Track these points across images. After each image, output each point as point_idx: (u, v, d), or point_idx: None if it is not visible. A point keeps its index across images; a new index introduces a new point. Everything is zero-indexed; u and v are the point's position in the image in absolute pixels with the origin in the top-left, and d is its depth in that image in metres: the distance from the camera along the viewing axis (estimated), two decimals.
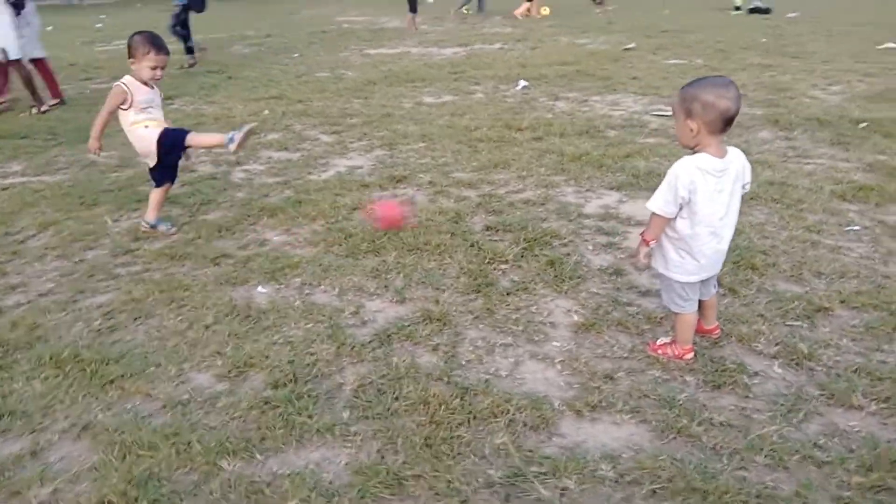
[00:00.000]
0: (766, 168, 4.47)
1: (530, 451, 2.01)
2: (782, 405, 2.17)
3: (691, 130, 2.19)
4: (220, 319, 2.78)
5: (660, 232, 2.32)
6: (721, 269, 2.42)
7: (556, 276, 3.09)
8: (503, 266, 3.21)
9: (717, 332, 2.57)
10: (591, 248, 3.42)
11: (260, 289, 3.06)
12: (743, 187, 2.30)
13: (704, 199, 2.19)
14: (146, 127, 3.55)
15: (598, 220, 3.74)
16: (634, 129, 5.65)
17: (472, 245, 3.42)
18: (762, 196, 3.95)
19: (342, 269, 3.21)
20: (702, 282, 2.38)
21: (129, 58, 3.49)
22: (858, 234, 3.45)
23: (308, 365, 2.45)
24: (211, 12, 11.19)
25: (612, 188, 4.26)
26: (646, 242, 2.35)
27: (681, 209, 2.23)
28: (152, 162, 3.62)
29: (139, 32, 3.53)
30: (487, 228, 3.66)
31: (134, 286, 3.09)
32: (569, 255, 3.31)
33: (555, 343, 2.59)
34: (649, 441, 2.05)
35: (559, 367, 2.44)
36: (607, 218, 3.77)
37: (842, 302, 2.77)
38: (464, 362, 2.47)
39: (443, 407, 2.17)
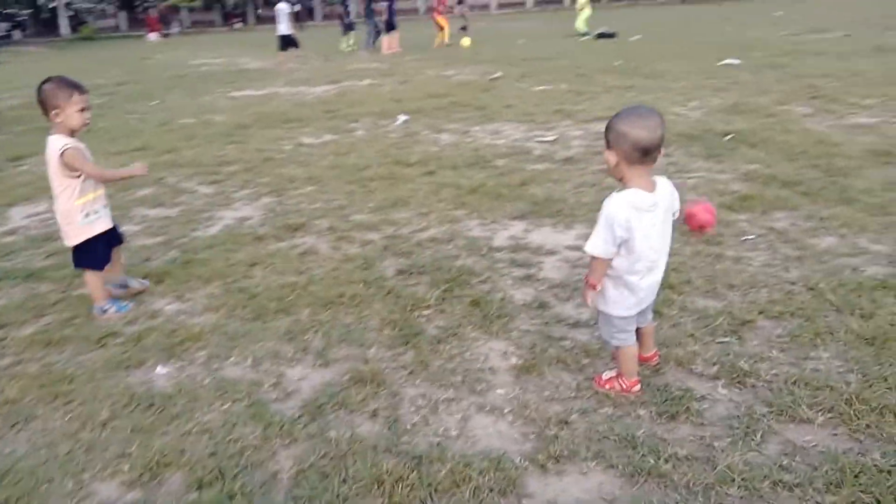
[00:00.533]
0: None
1: None
2: (738, 428, 2.15)
3: (611, 161, 2.15)
4: (117, 413, 2.41)
5: (602, 273, 2.25)
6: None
7: (483, 317, 2.97)
8: (426, 312, 3.05)
9: (655, 358, 2.54)
10: (510, 282, 3.33)
11: (160, 369, 2.70)
12: (673, 215, 2.28)
13: (641, 236, 2.15)
14: (90, 217, 3.16)
15: (510, 253, 3.68)
16: (521, 157, 5.71)
17: (388, 293, 3.24)
18: None
19: (252, 336, 2.91)
20: (639, 312, 2.34)
21: (51, 110, 3.01)
22: (755, 242, 3.61)
23: (233, 455, 2.15)
24: (53, 63, 10.29)
25: (515, 218, 4.23)
26: (592, 287, 2.27)
27: (619, 248, 2.17)
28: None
29: (47, 80, 3.05)
30: (400, 272, 3.49)
31: (6, 384, 2.62)
32: (490, 292, 3.20)
33: (499, 391, 2.46)
34: (620, 488, 1.95)
35: (510, 417, 2.30)
36: (518, 249, 3.72)
37: (760, 313, 2.85)
38: (409, 426, 2.27)
39: (399, 484, 1.96)
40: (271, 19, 38.53)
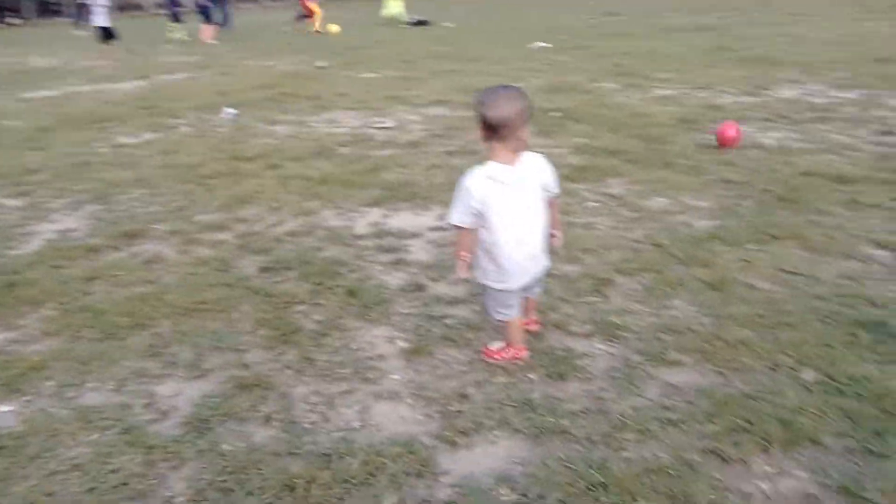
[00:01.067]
0: None
1: (427, 501, 1.84)
2: (620, 378, 2.31)
3: (479, 137, 2.23)
4: None
5: (468, 243, 2.31)
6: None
7: (362, 306, 2.91)
8: (301, 307, 2.93)
9: (533, 325, 2.64)
10: (380, 269, 3.30)
11: (2, 408, 2.34)
12: (548, 191, 2.36)
13: (500, 209, 2.21)
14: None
15: (375, 239, 3.64)
16: (364, 144, 5.67)
17: (255, 292, 3.07)
18: None
19: (107, 357, 2.62)
20: (523, 287, 2.39)
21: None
22: (598, 209, 3.89)
23: (117, 487, 1.93)
24: None
25: (370, 205, 4.19)
26: (458, 256, 2.32)
27: (484, 219, 2.22)
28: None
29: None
30: (264, 270, 3.32)
31: None
32: (363, 280, 3.15)
33: (393, 376, 2.43)
34: (528, 450, 2.02)
35: (409, 400, 2.29)
36: (382, 235, 3.69)
37: (617, 271, 3.08)
38: (308, 426, 2.18)
39: (312, 485, 1.88)
40: (56, 13, 34.50)
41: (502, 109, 2.14)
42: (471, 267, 2.35)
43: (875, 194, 3.72)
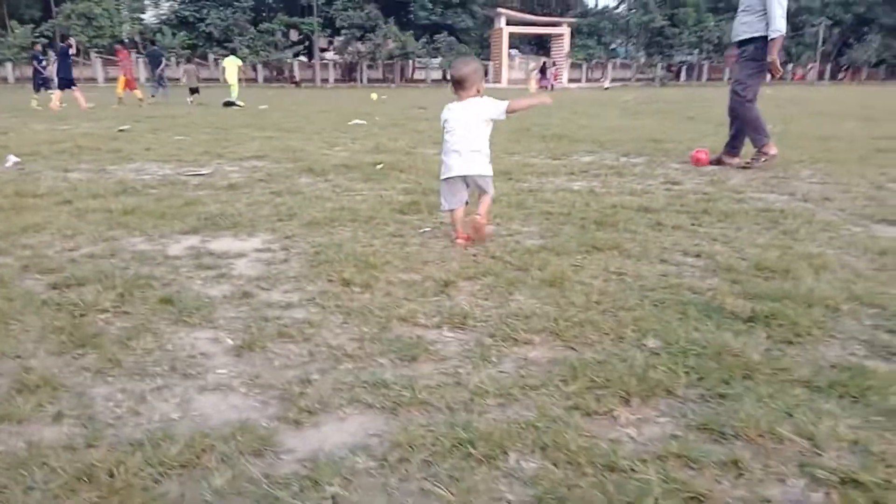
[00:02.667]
0: (327, 201, 4.67)
1: (267, 476, 1.54)
2: (474, 357, 2.19)
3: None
4: None
5: None
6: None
7: (179, 311, 2.54)
8: (104, 315, 2.48)
9: (482, 220, 3.51)
10: (200, 282, 2.94)
11: None
12: (491, 118, 3.54)
13: (448, 125, 3.58)
14: None
15: (193, 259, 3.27)
16: (178, 187, 5.24)
17: (44, 303, 2.57)
18: (345, 220, 4.09)
19: None
20: (448, 183, 3.57)
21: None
22: (432, 232, 3.86)
23: None
24: None
25: (186, 233, 3.80)
26: None
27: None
28: None
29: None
30: (54, 287, 2.81)
31: None
32: (180, 291, 2.77)
33: (219, 371, 2.10)
34: (385, 422, 1.80)
35: (242, 389, 1.97)
36: (201, 256, 3.32)
37: (458, 276, 3.01)
38: (112, 420, 1.77)
39: (119, 469, 1.49)
40: None
41: (460, 70, 3.59)
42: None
43: (676, 219, 4.10)
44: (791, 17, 6.52)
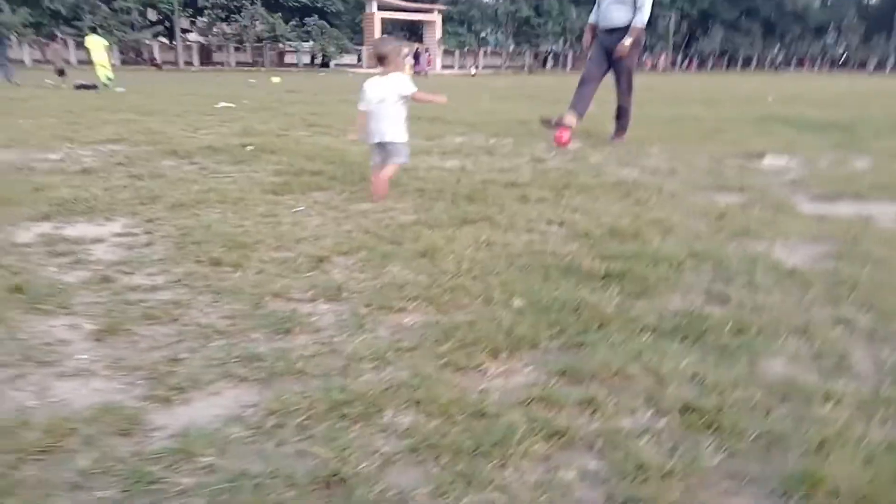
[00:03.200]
0: (193, 183, 4.48)
1: (136, 454, 1.50)
2: (349, 326, 2.22)
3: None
4: None
5: (361, 120, 4.24)
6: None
7: (30, 299, 2.37)
8: None
9: (381, 183, 4.15)
10: (54, 269, 2.76)
11: None
12: (403, 94, 4.12)
13: (367, 97, 4.15)
14: None
15: (45, 246, 3.05)
16: (24, 172, 4.82)
17: None
18: (212, 202, 3.95)
19: None
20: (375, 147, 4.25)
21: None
22: (305, 212, 3.82)
23: None
24: None
25: (36, 220, 3.52)
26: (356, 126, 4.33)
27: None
28: None
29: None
30: None
31: None
32: (30, 279, 2.58)
33: (80, 357, 1.99)
34: (259, 393, 1.80)
35: (105, 373, 1.89)
36: (54, 243, 3.10)
37: (332, 252, 3.02)
38: None
39: None
40: None
41: (381, 48, 4.18)
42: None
43: (540, 192, 4.31)
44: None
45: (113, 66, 19.45)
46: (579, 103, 6.93)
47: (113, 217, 3.60)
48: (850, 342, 2.13)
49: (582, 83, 7.08)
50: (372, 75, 4.35)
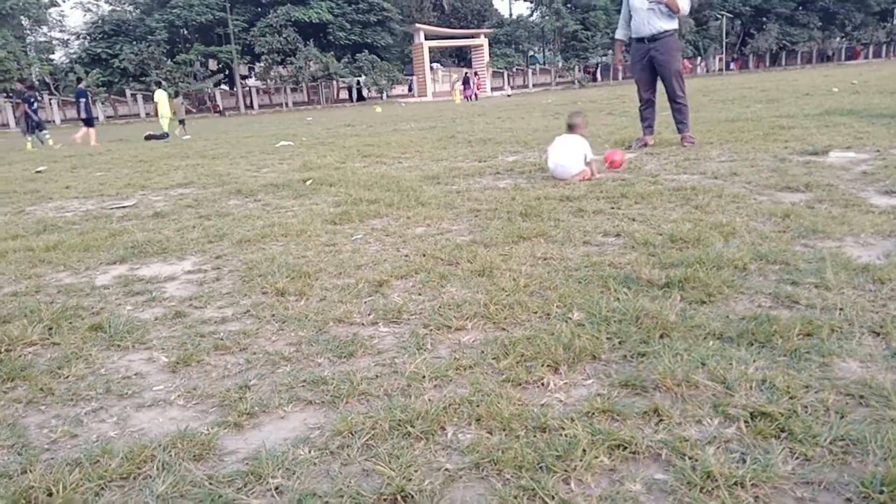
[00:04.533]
0: (258, 219, 4.65)
1: (210, 478, 1.56)
2: (410, 347, 2.25)
3: None
4: None
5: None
6: None
7: (110, 337, 2.51)
8: (32, 348, 2.44)
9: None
10: (130, 308, 2.91)
11: None
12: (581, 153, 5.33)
13: (551, 148, 5.57)
14: None
15: (122, 287, 3.22)
16: (101, 220, 5.12)
17: None
18: (276, 235, 4.09)
19: None
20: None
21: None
22: (364, 239, 3.91)
23: None
24: None
25: (113, 263, 3.73)
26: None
27: None
28: None
29: None
30: None
31: None
32: (110, 318, 2.74)
33: (157, 388, 2.10)
34: (325, 415, 1.84)
35: (180, 402, 1.98)
36: (130, 283, 3.28)
37: (391, 276, 3.06)
38: (47, 445, 1.76)
39: (58, 489, 1.49)
40: None
41: (573, 119, 5.75)
42: None
43: (596, 205, 4.28)
44: (695, 12, 7.35)
45: (173, 115, 20.64)
46: (647, 122, 7.45)
47: (184, 256, 3.78)
48: None
49: (643, 106, 7.28)
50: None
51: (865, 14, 63.15)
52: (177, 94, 32.52)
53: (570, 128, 5.63)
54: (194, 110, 43.56)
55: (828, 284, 2.50)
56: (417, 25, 52.10)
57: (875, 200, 3.90)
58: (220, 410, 1.90)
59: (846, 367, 1.89)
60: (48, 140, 18.14)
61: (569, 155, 5.37)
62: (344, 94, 54.92)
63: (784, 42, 61.41)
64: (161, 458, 1.63)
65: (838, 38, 65.43)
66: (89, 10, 50.89)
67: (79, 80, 33.57)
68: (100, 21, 48.75)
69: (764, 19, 61.60)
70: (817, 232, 3.24)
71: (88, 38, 48.83)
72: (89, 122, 18.92)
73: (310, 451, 1.65)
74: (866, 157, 5.39)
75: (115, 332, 2.55)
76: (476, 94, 39.56)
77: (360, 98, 52.54)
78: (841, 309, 2.26)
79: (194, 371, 2.20)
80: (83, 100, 19.74)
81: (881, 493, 1.33)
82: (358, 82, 50.95)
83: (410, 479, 1.49)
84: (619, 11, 8.42)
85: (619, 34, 7.46)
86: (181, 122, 21.50)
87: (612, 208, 4.18)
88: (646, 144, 7.24)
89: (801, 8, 61.20)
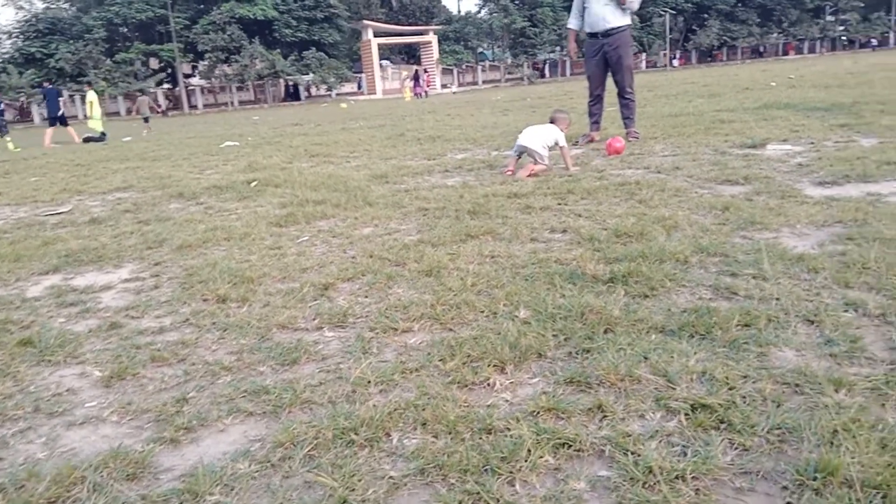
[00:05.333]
0: (199, 223, 4.53)
1: (143, 497, 1.50)
2: (355, 351, 2.22)
3: None
4: None
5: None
6: None
7: (40, 352, 2.40)
8: None
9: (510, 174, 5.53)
10: (63, 320, 2.79)
11: None
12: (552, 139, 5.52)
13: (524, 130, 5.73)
14: None
15: (54, 298, 3.08)
16: (34, 228, 4.90)
17: None
18: (218, 239, 3.99)
19: None
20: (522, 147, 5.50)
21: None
22: (310, 241, 3.84)
23: None
24: None
25: (46, 273, 3.57)
26: None
27: None
28: None
29: None
30: None
31: None
32: (40, 332, 2.61)
33: (89, 404, 2.01)
34: (266, 426, 1.79)
35: (114, 418, 1.90)
36: (64, 293, 3.14)
37: (337, 279, 3.01)
38: None
39: None
40: None
41: (555, 115, 5.89)
42: None
43: (543, 202, 4.30)
44: (640, 8, 7.55)
45: (115, 115, 20.09)
46: (594, 118, 7.59)
47: (121, 264, 3.65)
48: (861, 326, 2.09)
49: (592, 101, 7.39)
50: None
51: (800, 11, 65.53)
52: (142, 93, 33.18)
53: (551, 121, 5.74)
54: (162, 108, 42.09)
55: (765, 275, 2.56)
56: (365, 22, 51.71)
57: (809, 191, 4.03)
58: (155, 426, 1.83)
59: (782, 356, 1.94)
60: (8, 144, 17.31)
61: (536, 137, 5.47)
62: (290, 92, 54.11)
63: (725, 38, 63.20)
64: (92, 480, 1.56)
65: (775, 34, 67.66)
66: (22, 7, 48.76)
67: (50, 80, 32.54)
68: (33, 19, 46.77)
69: (705, 15, 63.24)
70: (755, 223, 3.33)
71: (21, 36, 46.81)
72: (58, 120, 18.17)
73: (250, 465, 1.60)
74: (801, 150, 5.58)
75: (46, 346, 2.44)
76: (426, 92, 39.50)
77: (296, 97, 51.86)
78: (777, 299, 2.32)
79: (129, 385, 2.11)
80: (60, 99, 19.03)
81: (814, 479, 1.36)
82: (294, 81, 50.32)
83: (354, 490, 1.46)
84: (566, 9, 8.58)
85: (572, 24, 7.53)
86: (146, 119, 21.88)
87: (559, 204, 4.22)
88: (592, 140, 7.34)
89: (740, 4, 63.10)
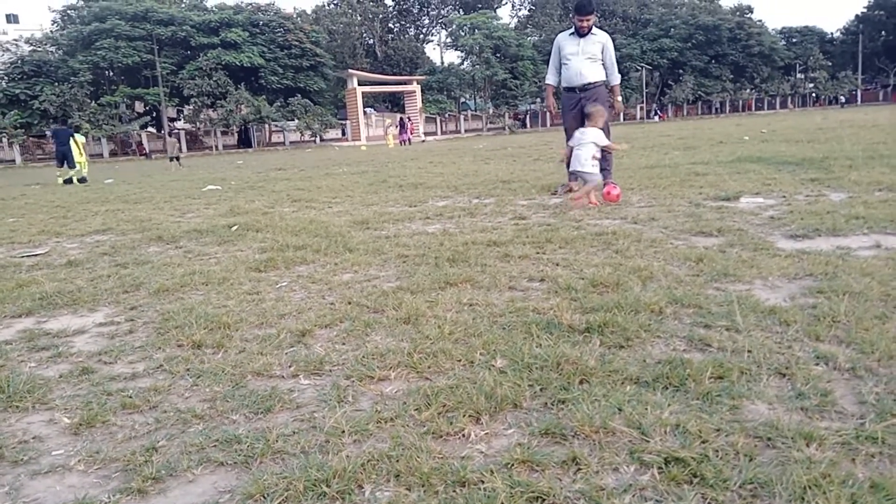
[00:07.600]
0: (178, 267, 4.50)
1: None
2: (330, 400, 2.20)
3: None
4: None
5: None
6: None
7: (8, 398, 2.34)
8: None
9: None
10: (34, 364, 2.74)
11: None
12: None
13: (578, 136, 6.46)
14: None
15: (26, 342, 3.03)
16: (9, 269, 4.83)
17: None
18: (196, 284, 3.96)
19: None
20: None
21: None
22: (289, 286, 3.83)
23: None
24: None
25: (18, 316, 3.51)
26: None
27: None
28: None
29: None
30: None
31: None
32: (9, 376, 2.56)
33: (56, 452, 1.96)
34: (237, 477, 1.76)
35: (80, 467, 1.86)
36: (36, 337, 3.09)
37: (315, 325, 2.99)
38: None
39: None
40: None
41: (590, 109, 6.60)
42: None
43: (522, 250, 4.34)
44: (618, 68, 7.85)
45: (99, 157, 19.94)
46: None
47: (96, 307, 3.60)
48: (832, 379, 2.12)
49: (571, 153, 7.57)
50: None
51: (771, 68, 67.97)
52: (170, 134, 34.90)
53: (588, 117, 6.54)
54: (146, 150, 42.28)
55: (738, 327, 2.60)
56: (351, 71, 52.62)
57: (782, 244, 4.12)
58: (123, 475, 1.79)
59: (755, 409, 1.95)
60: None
61: (583, 155, 6.21)
62: (277, 138, 54.51)
63: (700, 93, 65.18)
64: None
65: (748, 90, 69.92)
66: (8, 49, 48.98)
67: (62, 119, 32.48)
68: (19, 61, 46.95)
69: (680, 71, 65.29)
70: (728, 275, 3.39)
71: (6, 78, 46.89)
72: (65, 160, 17.74)
73: None
74: (773, 203, 5.72)
75: (14, 391, 2.39)
76: (409, 139, 40.06)
77: (248, 143, 52.06)
78: (749, 351, 2.35)
79: (98, 433, 2.07)
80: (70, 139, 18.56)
81: None
82: (245, 126, 50.66)
83: None
84: (545, 62, 8.84)
85: (550, 80, 7.77)
86: (173, 159, 23.94)
87: (538, 253, 4.26)
88: (570, 190, 7.46)
89: (713, 62, 65.31)
